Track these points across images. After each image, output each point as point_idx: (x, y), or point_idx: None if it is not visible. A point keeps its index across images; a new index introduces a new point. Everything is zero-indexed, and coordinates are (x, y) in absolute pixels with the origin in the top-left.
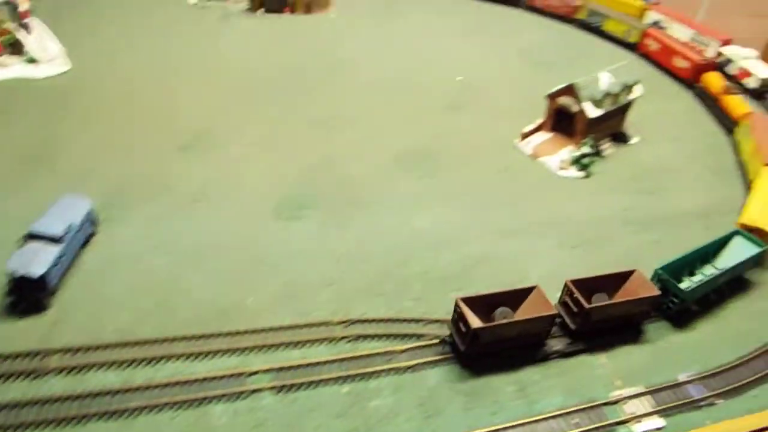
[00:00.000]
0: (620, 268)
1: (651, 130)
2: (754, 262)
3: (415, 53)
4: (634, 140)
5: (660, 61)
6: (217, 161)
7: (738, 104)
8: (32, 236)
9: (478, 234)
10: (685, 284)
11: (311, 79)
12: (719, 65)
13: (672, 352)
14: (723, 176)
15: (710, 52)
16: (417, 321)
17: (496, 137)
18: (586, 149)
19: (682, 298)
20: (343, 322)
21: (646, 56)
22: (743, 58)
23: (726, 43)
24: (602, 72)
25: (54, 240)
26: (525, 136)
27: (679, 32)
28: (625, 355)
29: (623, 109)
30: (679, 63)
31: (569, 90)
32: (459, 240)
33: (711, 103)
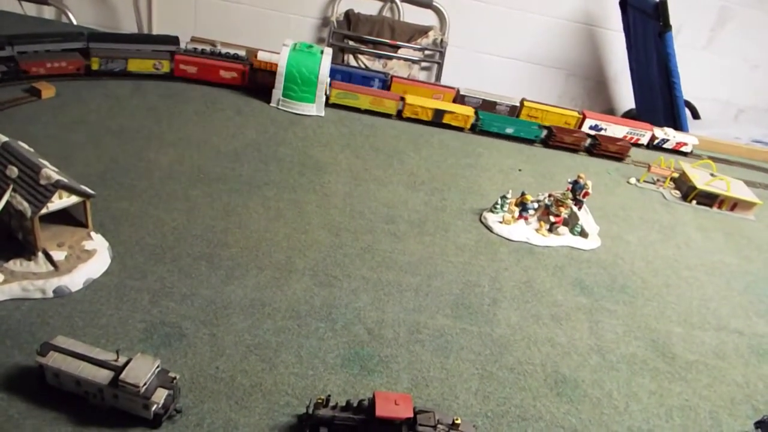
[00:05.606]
0: None
1: None
2: None
3: None
4: None
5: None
6: None
7: None
8: None
9: None
10: None
11: None
12: (660, 143)
13: None
14: None
15: (646, 139)
16: None
17: None
18: None
19: None
20: None
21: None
22: (672, 135)
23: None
24: None
25: None
26: None
27: (616, 131)
28: None
29: None
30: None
31: None
32: None
33: None
